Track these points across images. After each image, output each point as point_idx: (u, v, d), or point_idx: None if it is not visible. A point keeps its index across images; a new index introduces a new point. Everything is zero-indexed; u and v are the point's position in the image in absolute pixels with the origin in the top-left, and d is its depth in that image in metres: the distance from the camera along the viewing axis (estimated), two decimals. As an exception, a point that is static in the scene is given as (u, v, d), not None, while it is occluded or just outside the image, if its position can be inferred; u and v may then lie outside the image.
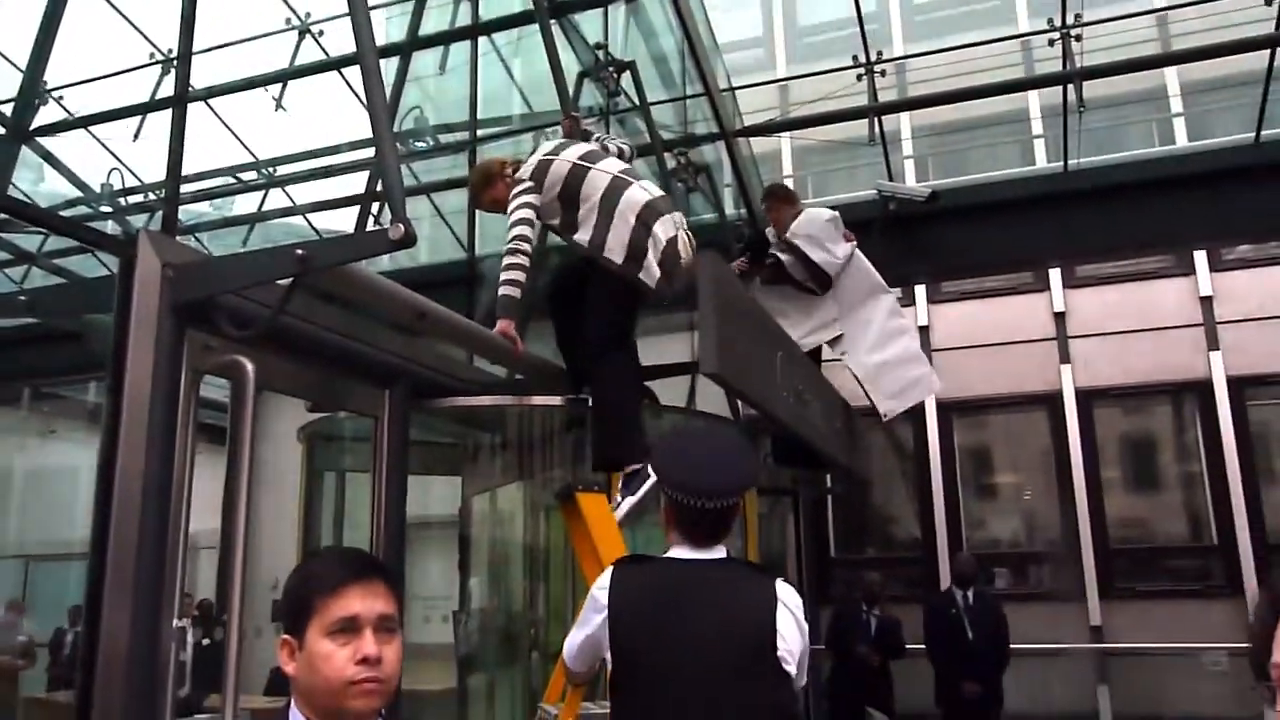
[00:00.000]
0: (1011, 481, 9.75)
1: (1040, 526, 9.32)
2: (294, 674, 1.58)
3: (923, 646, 7.16)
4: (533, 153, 4.09)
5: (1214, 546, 8.49)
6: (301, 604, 1.58)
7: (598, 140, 4.29)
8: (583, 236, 3.85)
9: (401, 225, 2.57)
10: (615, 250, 3.78)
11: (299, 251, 2.61)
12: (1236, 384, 8.61)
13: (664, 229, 3.81)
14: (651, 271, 3.76)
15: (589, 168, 3.93)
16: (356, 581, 1.57)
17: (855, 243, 6.27)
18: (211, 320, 2.84)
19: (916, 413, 9.41)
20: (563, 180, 3.92)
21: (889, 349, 6.22)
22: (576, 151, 4.02)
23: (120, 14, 8.19)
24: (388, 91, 5.54)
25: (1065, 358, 9.13)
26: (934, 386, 6.73)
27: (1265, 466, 8.61)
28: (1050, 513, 9.11)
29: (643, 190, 3.91)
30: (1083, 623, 8.54)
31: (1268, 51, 6.80)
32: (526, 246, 3.83)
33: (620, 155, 4.22)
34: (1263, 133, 6.95)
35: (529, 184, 3.92)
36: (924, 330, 9.57)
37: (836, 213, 6.23)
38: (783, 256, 6.11)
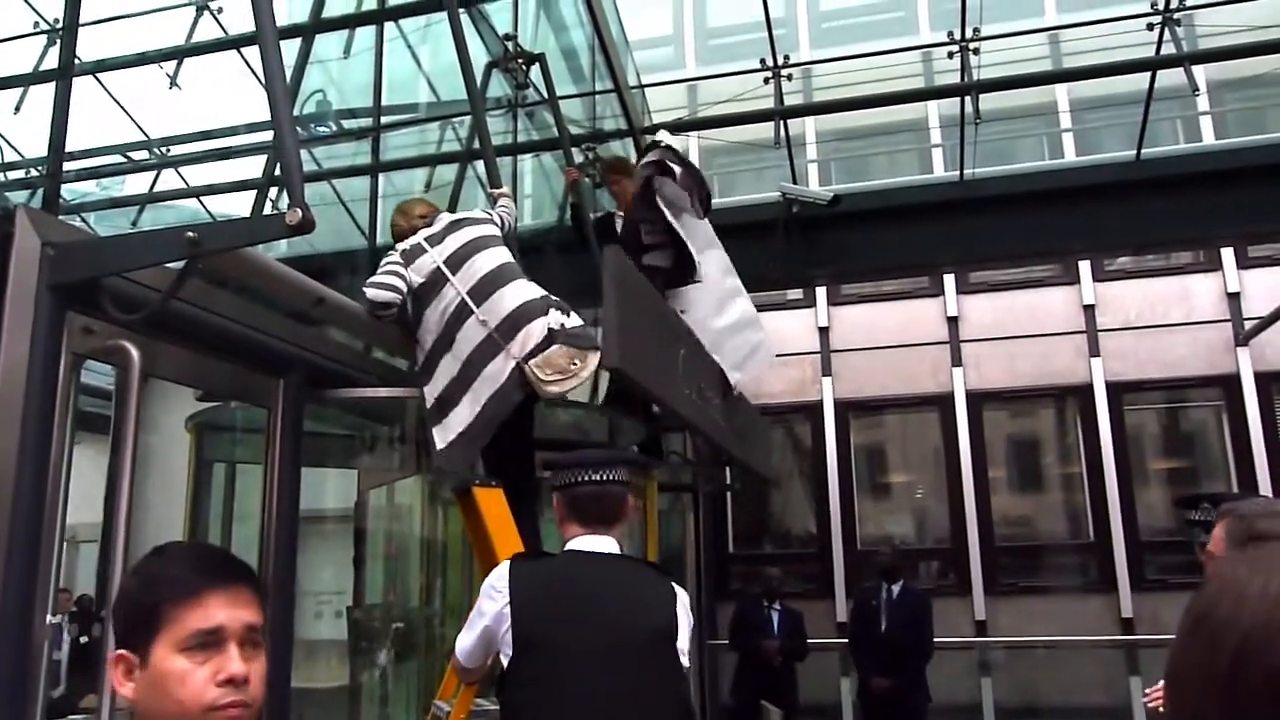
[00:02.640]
0: (904, 480, 10.03)
1: (930, 524, 9.61)
2: (133, 697, 1.32)
3: (819, 640, 7.32)
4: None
5: (1091, 544, 8.89)
6: (146, 613, 1.32)
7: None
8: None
9: (299, 210, 2.50)
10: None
11: (190, 234, 2.52)
12: (1115, 389, 9.03)
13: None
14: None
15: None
16: (220, 586, 1.33)
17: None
18: (95, 303, 2.72)
19: (815, 411, 9.63)
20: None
21: (728, 312, 5.64)
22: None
23: (2, -21, 7.79)
24: (288, 73, 5.40)
25: (957, 361, 9.43)
26: (770, 356, 6.10)
27: (1139, 468, 9.05)
28: (940, 510, 9.41)
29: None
30: (968, 617, 8.84)
31: (1149, 73, 7.14)
32: None
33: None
34: (1143, 150, 7.28)
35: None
36: (824, 331, 9.79)
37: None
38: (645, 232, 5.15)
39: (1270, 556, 0.93)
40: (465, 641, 2.53)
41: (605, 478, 2.51)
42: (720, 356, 5.45)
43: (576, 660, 2.34)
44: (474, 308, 3.51)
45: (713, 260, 5.52)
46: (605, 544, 2.50)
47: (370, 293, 3.54)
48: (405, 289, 3.59)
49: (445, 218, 3.86)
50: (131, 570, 1.44)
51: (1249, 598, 0.88)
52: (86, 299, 2.70)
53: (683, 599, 2.49)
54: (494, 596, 2.42)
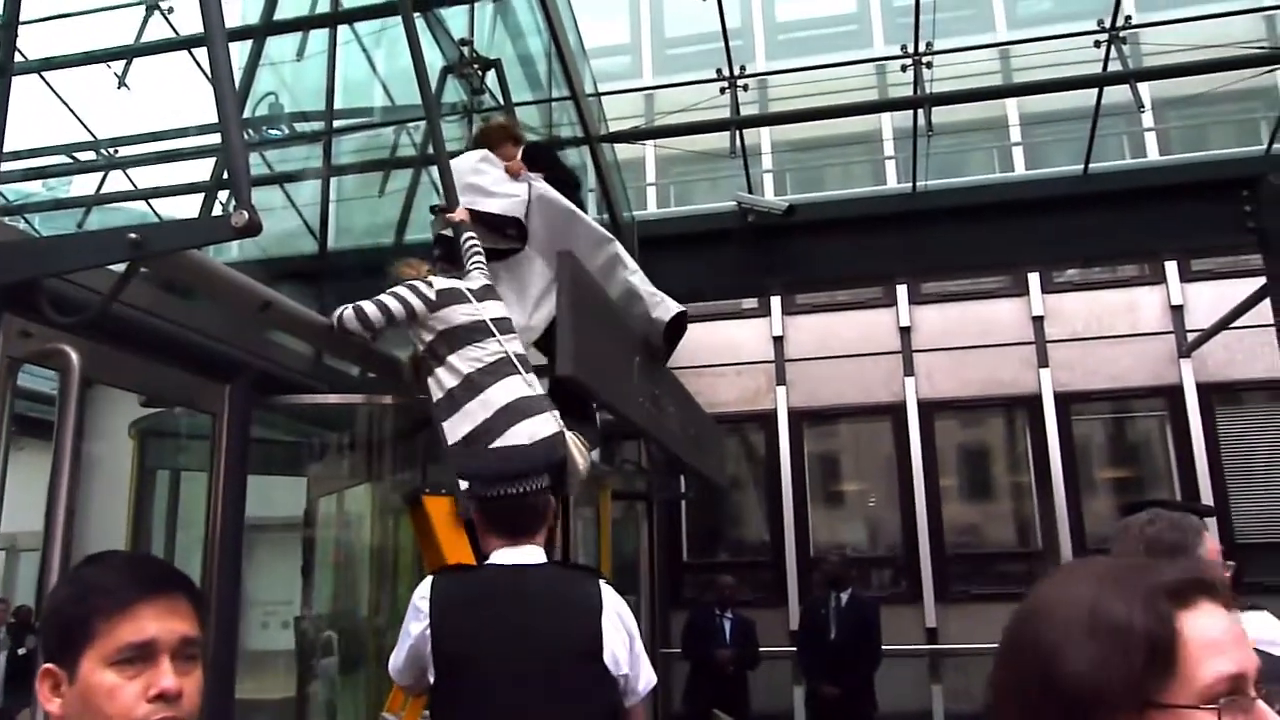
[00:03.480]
0: (857, 489, 10.10)
1: (883, 532, 9.69)
2: (60, 714, 1.27)
3: (774, 648, 7.33)
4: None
5: (1039, 551, 9.01)
6: (75, 625, 1.26)
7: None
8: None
9: (245, 212, 2.45)
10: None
11: (133, 235, 2.46)
12: (1063, 399, 9.18)
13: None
14: None
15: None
16: (153, 596, 1.27)
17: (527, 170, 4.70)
18: (33, 305, 2.65)
19: (769, 420, 9.68)
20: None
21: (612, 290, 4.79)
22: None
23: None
24: (238, 75, 5.33)
25: (910, 370, 9.53)
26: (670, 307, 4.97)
27: (1086, 477, 9.20)
28: (892, 519, 9.49)
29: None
30: (919, 625, 8.92)
31: (1096, 90, 7.28)
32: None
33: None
34: (1091, 165, 7.43)
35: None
36: (778, 341, 9.84)
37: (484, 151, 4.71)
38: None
39: (1078, 575, 0.93)
40: (395, 661, 2.51)
41: (526, 489, 2.46)
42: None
43: (496, 681, 2.32)
44: (520, 369, 3.49)
45: (581, 234, 4.71)
46: (529, 554, 2.47)
47: (369, 309, 3.44)
48: (400, 318, 3.51)
49: (478, 277, 3.79)
50: (62, 580, 1.41)
51: (1052, 617, 0.89)
52: (24, 301, 2.63)
53: (612, 606, 2.43)
54: (417, 617, 2.39)
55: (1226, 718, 0.84)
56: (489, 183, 4.47)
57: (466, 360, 3.44)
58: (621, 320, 4.59)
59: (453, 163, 4.49)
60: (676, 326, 4.95)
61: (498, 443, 3.24)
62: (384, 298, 3.48)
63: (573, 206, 4.67)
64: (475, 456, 2.59)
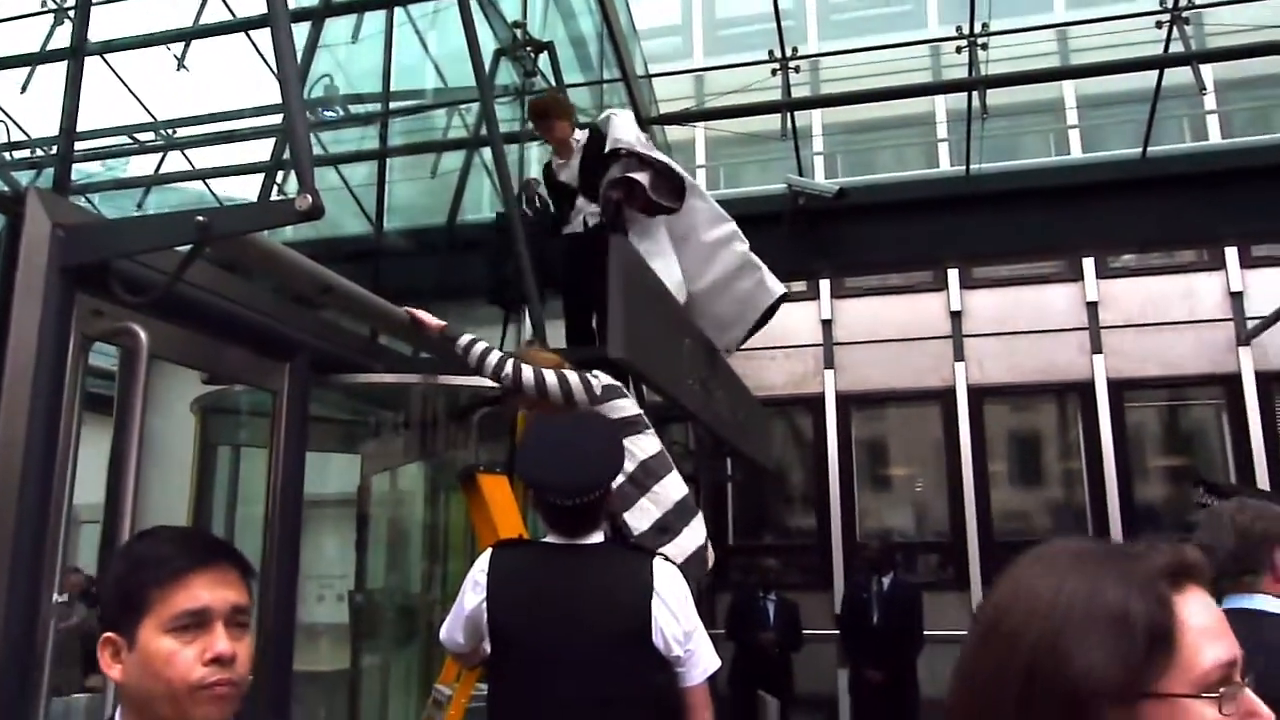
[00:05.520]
0: (905, 474, 10.04)
1: (930, 518, 9.63)
2: (121, 679, 1.34)
3: (821, 632, 7.35)
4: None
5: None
6: (133, 595, 1.33)
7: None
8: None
9: (309, 196, 2.51)
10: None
11: (200, 218, 2.53)
12: (1116, 386, 9.03)
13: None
14: None
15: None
16: (204, 567, 1.35)
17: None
18: (104, 285, 2.73)
19: (817, 403, 9.64)
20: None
21: (716, 265, 5.08)
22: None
23: (10, -41, 7.77)
24: (298, 57, 5.40)
25: (960, 355, 9.44)
26: (775, 288, 5.38)
27: (1139, 465, 9.06)
28: (940, 505, 9.42)
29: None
30: (966, 611, 8.86)
31: (1156, 71, 7.13)
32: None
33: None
34: (1149, 148, 7.28)
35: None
36: (826, 324, 9.78)
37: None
38: (640, 177, 4.57)
39: (1060, 561, 0.89)
40: (447, 629, 2.56)
41: (579, 503, 2.44)
42: (704, 322, 5.10)
43: (543, 661, 2.35)
44: (673, 466, 3.45)
45: (700, 213, 5.03)
46: (585, 539, 2.50)
47: (548, 380, 3.26)
48: (563, 398, 3.34)
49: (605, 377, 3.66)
50: (118, 554, 1.47)
51: (1040, 607, 0.85)
52: (96, 281, 2.72)
53: (665, 587, 2.41)
54: (475, 588, 2.44)
55: (1225, 707, 0.81)
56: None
57: (637, 448, 3.32)
58: (672, 303, 4.61)
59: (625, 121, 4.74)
60: (774, 305, 5.32)
61: (676, 545, 3.15)
62: (558, 377, 3.30)
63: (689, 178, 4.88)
64: (537, 464, 2.61)
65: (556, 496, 2.45)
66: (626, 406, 3.40)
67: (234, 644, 1.34)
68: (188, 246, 2.63)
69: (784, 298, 5.41)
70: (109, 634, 1.34)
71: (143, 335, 2.78)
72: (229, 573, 1.38)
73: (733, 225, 5.17)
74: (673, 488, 3.30)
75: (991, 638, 0.88)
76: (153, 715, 1.32)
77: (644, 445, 3.33)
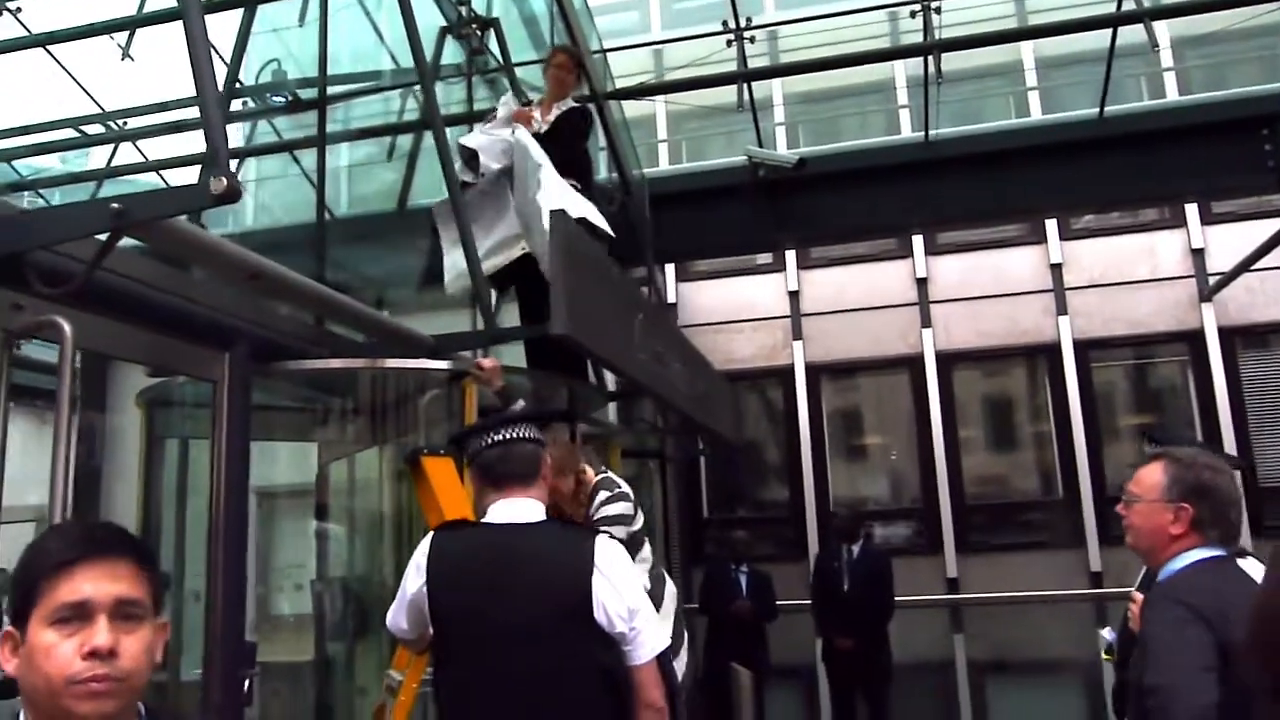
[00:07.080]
0: (876, 442, 10.07)
1: (903, 485, 9.67)
2: (15, 674, 1.31)
3: (796, 602, 7.39)
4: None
5: (1060, 500, 8.97)
6: (26, 588, 1.31)
7: None
8: None
9: (224, 179, 2.46)
10: None
11: (113, 205, 2.48)
12: (1082, 346, 9.07)
13: None
14: None
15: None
16: (90, 559, 1.32)
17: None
18: (21, 277, 2.67)
19: (786, 375, 9.64)
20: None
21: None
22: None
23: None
24: (231, 41, 5.31)
25: (927, 322, 9.45)
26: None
27: (1107, 425, 9.11)
28: (912, 471, 9.46)
29: None
30: (940, 575, 8.92)
31: (1110, 30, 7.10)
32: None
33: None
34: (1107, 108, 7.27)
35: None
36: (794, 296, 9.78)
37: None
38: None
39: None
40: (392, 615, 2.55)
41: (511, 436, 2.49)
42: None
43: (486, 640, 2.34)
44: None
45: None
46: (524, 509, 2.48)
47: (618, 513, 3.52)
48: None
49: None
50: (27, 546, 1.42)
51: None
52: (12, 274, 2.65)
53: (606, 564, 2.42)
54: (416, 573, 2.43)
55: None
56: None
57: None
58: (621, 279, 4.57)
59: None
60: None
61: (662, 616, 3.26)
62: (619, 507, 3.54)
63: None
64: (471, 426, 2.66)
65: (487, 435, 2.55)
66: (638, 520, 3.65)
67: (120, 637, 1.30)
68: (105, 235, 2.58)
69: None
70: (8, 628, 1.33)
71: (67, 328, 2.72)
72: (119, 565, 1.34)
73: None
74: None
75: (1268, 614, 1.08)
76: (43, 712, 1.29)
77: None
